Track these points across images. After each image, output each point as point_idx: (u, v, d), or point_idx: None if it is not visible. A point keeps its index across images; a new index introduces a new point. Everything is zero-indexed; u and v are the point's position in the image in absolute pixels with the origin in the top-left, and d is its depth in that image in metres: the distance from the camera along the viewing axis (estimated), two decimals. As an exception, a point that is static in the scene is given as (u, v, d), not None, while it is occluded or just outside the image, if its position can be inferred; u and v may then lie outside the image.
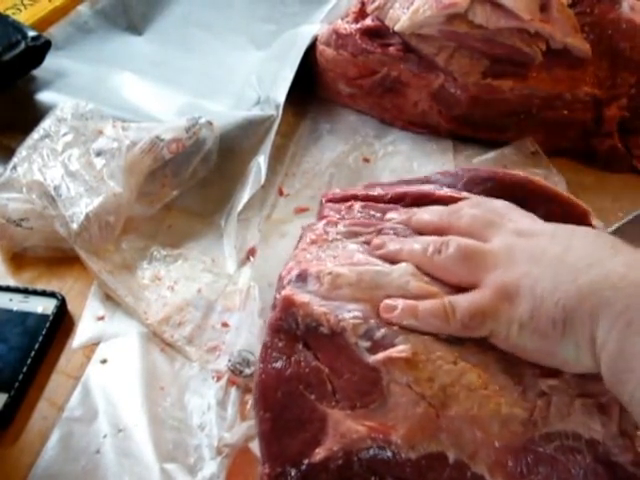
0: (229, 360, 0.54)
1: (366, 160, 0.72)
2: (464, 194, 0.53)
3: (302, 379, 0.43)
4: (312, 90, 0.78)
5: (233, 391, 0.53)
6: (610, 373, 0.38)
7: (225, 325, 0.57)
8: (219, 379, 0.53)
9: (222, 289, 0.60)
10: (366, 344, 0.43)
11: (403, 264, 0.46)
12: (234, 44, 0.84)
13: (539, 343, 0.41)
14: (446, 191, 0.54)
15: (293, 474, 0.40)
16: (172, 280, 0.61)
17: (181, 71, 0.80)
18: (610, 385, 0.39)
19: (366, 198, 0.54)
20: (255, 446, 0.49)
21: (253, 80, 0.76)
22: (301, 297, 0.44)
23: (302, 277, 0.46)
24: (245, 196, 0.65)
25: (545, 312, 0.40)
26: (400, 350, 0.42)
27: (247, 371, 0.53)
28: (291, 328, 0.44)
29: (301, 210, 0.67)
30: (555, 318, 0.40)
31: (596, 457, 0.41)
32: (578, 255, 0.41)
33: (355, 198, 0.54)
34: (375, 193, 0.55)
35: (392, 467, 0.40)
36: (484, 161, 0.69)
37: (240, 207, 0.65)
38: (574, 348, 0.40)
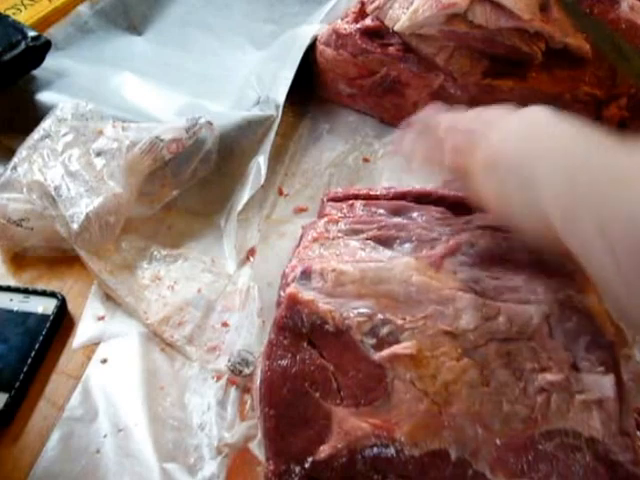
0: (229, 360, 0.54)
1: (366, 160, 0.72)
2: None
3: (307, 377, 0.43)
4: (312, 90, 0.79)
5: (233, 391, 0.53)
6: (560, 225, 0.39)
7: (225, 325, 0.57)
8: (219, 379, 0.54)
9: (222, 289, 0.60)
10: (371, 341, 0.43)
11: (404, 259, 0.47)
12: (234, 44, 0.84)
13: (498, 188, 0.44)
14: (449, 190, 0.54)
15: (297, 471, 0.40)
16: (172, 280, 0.61)
17: (181, 71, 0.80)
18: (563, 238, 0.40)
19: (368, 197, 0.54)
20: (255, 446, 0.49)
21: (253, 80, 0.76)
22: (306, 295, 0.45)
23: (306, 274, 0.46)
24: (245, 196, 0.65)
25: (504, 159, 0.43)
26: (405, 347, 0.42)
27: (246, 371, 0.53)
28: (296, 326, 0.44)
29: (301, 210, 0.67)
30: (510, 165, 0.42)
31: (596, 455, 0.41)
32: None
33: (356, 197, 0.54)
34: (377, 192, 0.55)
35: (395, 465, 0.40)
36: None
37: (240, 207, 0.65)
38: (526, 201, 0.42)
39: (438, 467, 0.40)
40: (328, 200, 0.55)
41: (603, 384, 0.41)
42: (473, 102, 0.67)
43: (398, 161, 0.71)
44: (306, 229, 0.53)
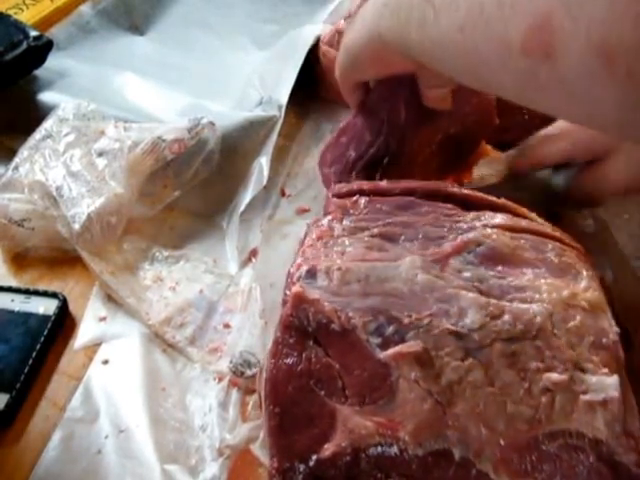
0: (230, 361, 0.54)
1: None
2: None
3: (313, 375, 0.42)
4: (314, 91, 0.78)
5: (234, 392, 0.53)
6: None
7: (227, 326, 0.57)
8: (220, 380, 0.53)
9: (224, 290, 0.60)
10: (377, 340, 0.43)
11: (410, 257, 0.47)
12: (236, 44, 0.84)
13: None
14: (458, 187, 0.54)
15: (302, 469, 0.40)
16: (174, 281, 0.61)
17: (183, 71, 0.80)
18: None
19: (373, 192, 0.54)
20: (256, 448, 0.49)
21: (255, 81, 0.76)
22: (312, 294, 0.44)
23: (311, 273, 0.46)
24: (247, 197, 0.65)
25: None
26: (410, 345, 0.42)
27: (248, 372, 0.53)
28: (302, 324, 0.44)
29: (303, 211, 0.67)
30: None
31: (600, 457, 0.40)
32: None
33: (362, 192, 0.54)
34: (384, 187, 0.54)
35: (398, 464, 0.39)
36: (488, 162, 0.69)
37: (242, 208, 0.65)
38: None
39: (441, 467, 0.40)
40: (333, 196, 0.54)
41: (608, 385, 0.41)
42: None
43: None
44: (310, 227, 0.53)
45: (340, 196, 0.54)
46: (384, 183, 0.54)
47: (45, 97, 0.73)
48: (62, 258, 0.61)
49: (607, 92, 0.30)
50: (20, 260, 0.62)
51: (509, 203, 0.53)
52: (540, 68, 0.33)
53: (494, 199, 0.53)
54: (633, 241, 0.59)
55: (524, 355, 0.42)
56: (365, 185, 0.54)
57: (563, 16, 0.30)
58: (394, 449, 0.40)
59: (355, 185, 0.55)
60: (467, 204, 0.52)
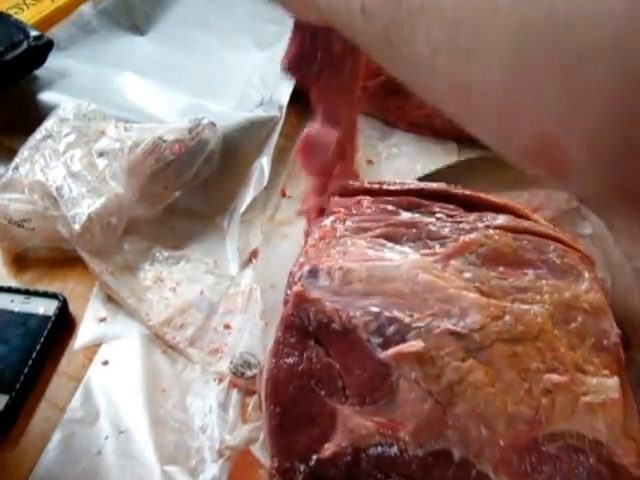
0: (231, 362, 0.53)
1: (370, 162, 0.71)
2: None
3: (313, 375, 0.42)
4: (315, 91, 0.78)
5: (235, 393, 0.52)
6: None
7: (227, 327, 0.57)
8: (221, 381, 0.53)
9: (224, 291, 0.60)
10: (378, 340, 0.43)
11: (411, 257, 0.46)
12: (237, 45, 0.84)
13: None
14: (462, 189, 0.54)
15: (302, 469, 0.40)
16: (174, 282, 0.60)
17: (184, 71, 0.80)
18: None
19: (379, 192, 0.54)
20: (257, 449, 0.49)
21: (256, 81, 0.76)
22: (313, 293, 0.44)
23: (313, 273, 0.46)
24: (248, 197, 0.65)
25: None
26: (410, 345, 0.42)
27: (249, 373, 0.53)
28: (303, 324, 0.44)
29: (304, 211, 0.66)
30: None
31: (600, 458, 0.40)
32: None
33: (366, 192, 0.54)
34: (390, 188, 0.54)
35: (398, 464, 0.39)
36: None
37: (243, 208, 0.65)
38: None
39: (441, 467, 0.40)
40: (338, 194, 0.54)
41: (608, 387, 0.41)
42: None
43: (402, 163, 0.71)
44: (313, 227, 0.52)
45: (344, 196, 0.54)
46: (388, 184, 0.54)
47: (45, 97, 0.73)
48: (62, 259, 0.61)
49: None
50: (20, 261, 0.62)
51: (511, 204, 0.53)
52: (546, 177, 0.28)
53: (496, 200, 0.53)
54: (632, 242, 0.59)
55: (525, 356, 0.42)
56: (369, 185, 0.54)
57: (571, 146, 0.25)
58: (394, 449, 0.39)
59: (359, 185, 0.54)
60: (469, 205, 0.52)
